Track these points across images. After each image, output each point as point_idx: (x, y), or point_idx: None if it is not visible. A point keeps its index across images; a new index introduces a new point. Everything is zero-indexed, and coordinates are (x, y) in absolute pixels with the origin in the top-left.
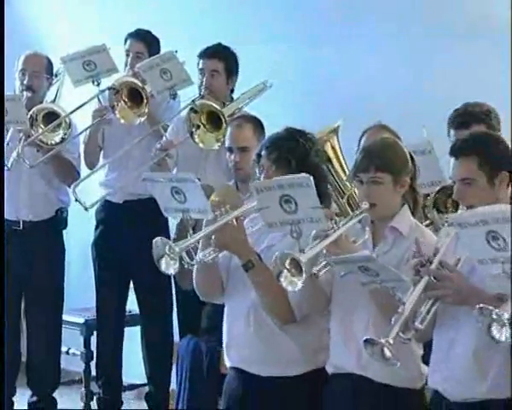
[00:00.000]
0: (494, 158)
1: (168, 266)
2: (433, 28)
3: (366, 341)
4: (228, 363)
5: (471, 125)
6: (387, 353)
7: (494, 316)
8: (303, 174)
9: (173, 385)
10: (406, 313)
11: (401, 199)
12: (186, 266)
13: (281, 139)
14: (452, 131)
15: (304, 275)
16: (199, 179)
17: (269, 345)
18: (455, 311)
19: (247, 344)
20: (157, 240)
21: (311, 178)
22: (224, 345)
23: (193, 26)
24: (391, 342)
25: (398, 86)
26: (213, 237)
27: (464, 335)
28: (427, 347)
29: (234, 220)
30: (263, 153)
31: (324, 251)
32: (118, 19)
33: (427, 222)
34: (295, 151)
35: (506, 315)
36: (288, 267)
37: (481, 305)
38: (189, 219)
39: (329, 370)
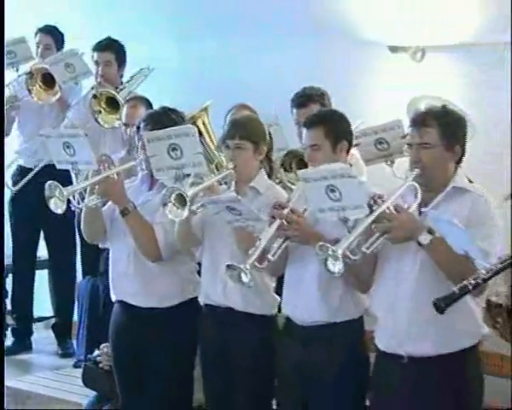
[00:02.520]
0: (337, 129)
1: (57, 207)
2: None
3: (228, 266)
4: (113, 297)
5: (308, 105)
6: (244, 277)
7: (330, 252)
8: (188, 125)
9: (75, 317)
10: (261, 246)
11: (259, 164)
12: (73, 209)
13: (156, 114)
14: (294, 110)
15: (187, 207)
16: (86, 135)
17: (146, 281)
18: (303, 251)
19: (128, 281)
20: (49, 183)
21: (195, 128)
22: (110, 282)
23: (89, 24)
24: (248, 267)
25: (258, 75)
26: (97, 186)
27: (310, 269)
28: (280, 281)
29: (115, 175)
30: (141, 125)
31: (201, 194)
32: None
33: (277, 181)
34: (167, 124)
35: (339, 251)
36: (173, 201)
37: (321, 243)
38: (77, 170)
39: (201, 300)
